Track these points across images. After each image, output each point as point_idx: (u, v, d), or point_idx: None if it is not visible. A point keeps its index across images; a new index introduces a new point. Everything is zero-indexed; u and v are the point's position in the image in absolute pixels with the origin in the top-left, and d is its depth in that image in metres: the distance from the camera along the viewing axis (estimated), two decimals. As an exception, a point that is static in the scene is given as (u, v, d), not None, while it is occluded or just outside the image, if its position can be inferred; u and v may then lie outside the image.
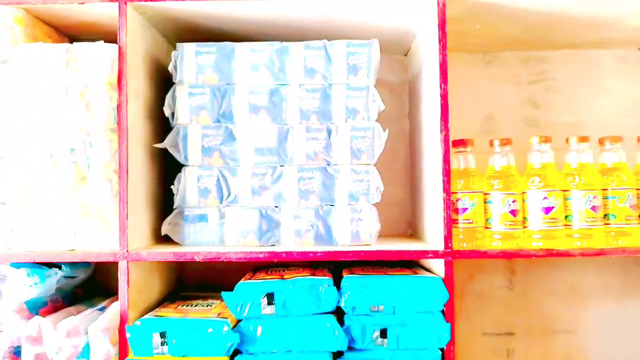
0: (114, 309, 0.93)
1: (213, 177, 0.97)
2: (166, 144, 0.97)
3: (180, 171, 0.99)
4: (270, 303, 0.86)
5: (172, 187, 0.98)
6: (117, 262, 0.90)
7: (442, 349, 0.88)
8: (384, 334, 0.86)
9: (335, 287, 0.88)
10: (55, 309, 1.00)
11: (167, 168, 1.09)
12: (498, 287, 1.23)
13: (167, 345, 0.84)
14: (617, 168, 0.92)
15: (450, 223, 0.88)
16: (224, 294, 0.87)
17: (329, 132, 0.97)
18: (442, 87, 0.89)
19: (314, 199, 0.97)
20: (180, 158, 0.97)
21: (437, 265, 0.93)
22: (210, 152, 0.97)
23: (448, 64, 0.89)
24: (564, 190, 0.90)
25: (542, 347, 1.23)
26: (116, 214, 0.91)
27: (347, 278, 0.89)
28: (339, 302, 0.87)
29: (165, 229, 0.99)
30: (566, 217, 0.90)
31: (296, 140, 0.97)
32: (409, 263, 1.07)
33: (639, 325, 1.22)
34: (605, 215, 0.91)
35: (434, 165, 0.94)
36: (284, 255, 0.89)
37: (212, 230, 0.97)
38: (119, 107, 0.91)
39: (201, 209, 0.98)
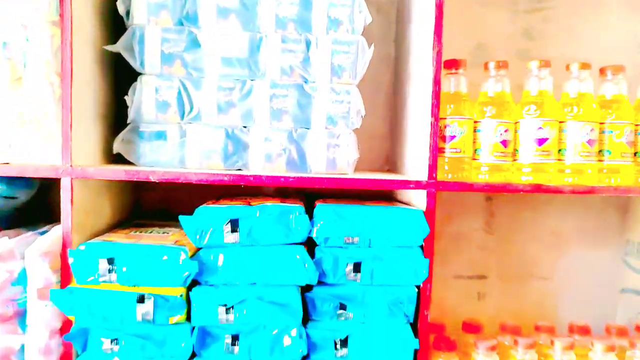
0: (56, 232, 0.82)
1: (173, 88, 0.85)
2: (119, 46, 0.84)
3: (135, 80, 0.86)
4: (234, 230, 0.78)
5: (125, 97, 0.86)
6: (60, 179, 0.78)
7: (418, 287, 0.82)
8: (357, 268, 0.79)
9: (307, 216, 0.79)
10: (-10, 232, 0.89)
11: (119, 76, 0.96)
12: (475, 229, 1.18)
13: (115, 272, 0.75)
14: (617, 100, 0.85)
15: (436, 151, 0.80)
16: (182, 218, 0.77)
17: (308, 44, 0.85)
18: (439, -4, 0.79)
19: (288, 120, 0.87)
20: (135, 64, 0.85)
21: (418, 198, 0.85)
22: (171, 60, 0.85)
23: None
24: (560, 122, 0.82)
25: (515, 291, 1.20)
26: (59, 123, 0.78)
27: (321, 206, 0.81)
28: (310, 232, 0.79)
29: (117, 147, 0.87)
30: (559, 150, 0.83)
31: (270, 51, 0.85)
32: (386, 197, 1.00)
33: (613, 272, 1.20)
34: (600, 151, 0.84)
35: (422, 88, 0.85)
36: (252, 179, 0.80)
37: (171, 150, 0.86)
38: (61, -4, 0.76)
39: (159, 125, 0.87)
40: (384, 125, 1.14)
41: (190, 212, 0.78)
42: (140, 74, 0.86)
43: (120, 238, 0.82)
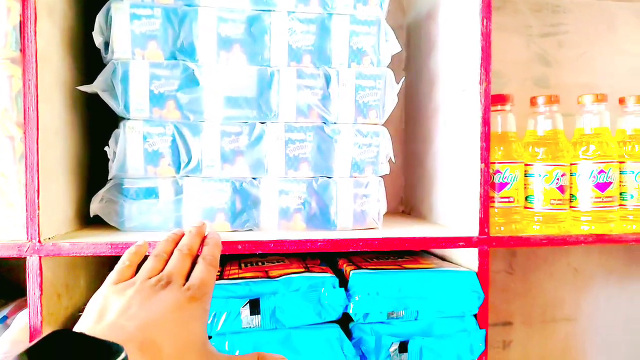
0: (20, 323, 0.65)
1: (167, 136, 0.70)
2: (96, 86, 0.68)
3: (115, 126, 0.70)
4: (254, 312, 0.62)
5: (105, 149, 0.69)
6: (24, 258, 0.61)
7: (471, 362, 0.69)
8: (403, 347, 0.66)
9: (342, 289, 0.65)
10: None
11: (95, 122, 0.79)
12: (496, 271, 1.08)
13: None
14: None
15: (487, 202, 0.68)
16: (188, 301, 0.62)
17: (327, 79, 0.72)
18: (485, 23, 0.68)
19: (306, 169, 0.73)
20: (117, 108, 0.68)
21: (465, 256, 0.73)
22: (163, 101, 0.69)
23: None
24: (620, 162, 0.73)
25: (541, 336, 1.09)
26: (21, 186, 0.61)
27: (357, 276, 0.67)
28: (347, 307, 0.65)
29: (95, 208, 0.70)
30: (620, 194, 0.73)
31: (283, 88, 0.71)
32: (416, 252, 0.87)
33: (641, 311, 1.12)
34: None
35: (459, 127, 0.73)
36: (272, 245, 0.65)
37: (165, 210, 0.70)
38: (22, 26, 0.60)
39: (149, 181, 0.70)
40: (397, 162, 1.01)
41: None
42: (123, 118, 0.70)
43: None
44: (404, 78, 0.74)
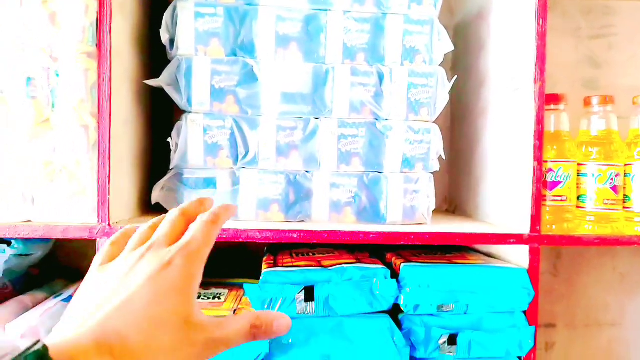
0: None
1: (226, 129, 0.73)
2: (162, 80, 0.72)
3: (179, 119, 0.74)
4: (309, 299, 0.65)
5: (168, 140, 0.73)
6: (95, 240, 0.65)
7: (519, 357, 0.70)
8: (452, 340, 0.67)
9: (394, 280, 0.67)
10: (2, 298, 0.75)
11: (157, 114, 0.83)
12: (541, 272, 1.07)
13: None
14: None
15: (539, 200, 0.68)
16: (246, 286, 0.64)
17: (381, 77, 0.74)
18: (540, 23, 0.68)
19: (357, 164, 0.75)
20: (180, 101, 0.72)
21: (514, 254, 0.74)
22: (223, 96, 0.72)
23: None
24: (676, 164, 0.72)
25: (585, 340, 1.08)
26: (93, 173, 0.65)
27: (408, 268, 0.69)
28: (397, 298, 0.67)
29: (157, 196, 0.74)
30: (675, 196, 0.73)
31: (337, 86, 0.73)
32: (464, 248, 0.88)
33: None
34: None
35: (510, 126, 0.74)
36: (326, 235, 0.67)
37: (222, 199, 0.73)
38: (99, 22, 0.64)
39: (207, 171, 0.74)
40: (441, 161, 1.02)
41: (235, 265, 0.65)
42: (185, 112, 0.73)
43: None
44: (456, 77, 0.76)
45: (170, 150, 0.73)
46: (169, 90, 0.72)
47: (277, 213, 0.74)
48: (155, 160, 0.83)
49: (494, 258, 0.79)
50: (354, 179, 0.75)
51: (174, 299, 0.34)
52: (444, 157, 0.77)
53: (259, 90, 0.73)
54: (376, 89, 0.74)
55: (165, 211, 0.75)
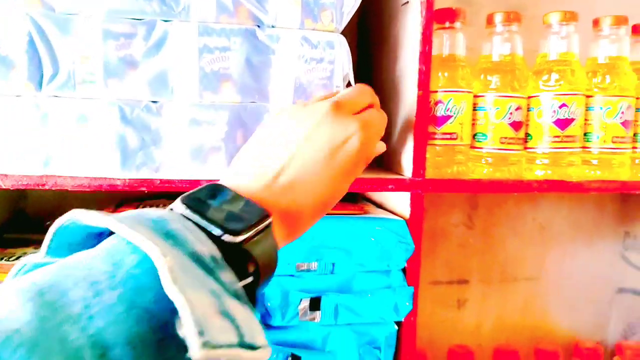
0: None
1: (21, 36, 0.54)
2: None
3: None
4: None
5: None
6: None
7: (398, 322, 0.60)
8: (315, 304, 0.56)
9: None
10: None
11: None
12: (455, 224, 0.98)
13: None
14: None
15: (424, 139, 0.56)
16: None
17: (253, -28, 0.58)
18: None
19: (230, 90, 0.56)
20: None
21: (400, 202, 0.62)
22: None
23: None
24: (587, 96, 0.61)
25: (499, 296, 1.01)
26: None
27: (262, 219, 0.56)
28: (247, 257, 0.55)
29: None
30: (585, 135, 0.62)
31: (191, -17, 0.56)
32: (354, 196, 0.77)
33: (609, 270, 1.03)
34: (634, 135, 0.64)
35: (399, 49, 0.61)
36: (158, 182, 0.54)
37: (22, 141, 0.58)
38: None
39: None
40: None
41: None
42: None
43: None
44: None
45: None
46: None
47: (109, 165, 0.58)
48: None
49: (383, 209, 0.68)
50: (225, 113, 0.57)
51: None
52: (353, 82, 0.58)
53: (80, -10, 0.55)
54: (249, -13, 0.58)
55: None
